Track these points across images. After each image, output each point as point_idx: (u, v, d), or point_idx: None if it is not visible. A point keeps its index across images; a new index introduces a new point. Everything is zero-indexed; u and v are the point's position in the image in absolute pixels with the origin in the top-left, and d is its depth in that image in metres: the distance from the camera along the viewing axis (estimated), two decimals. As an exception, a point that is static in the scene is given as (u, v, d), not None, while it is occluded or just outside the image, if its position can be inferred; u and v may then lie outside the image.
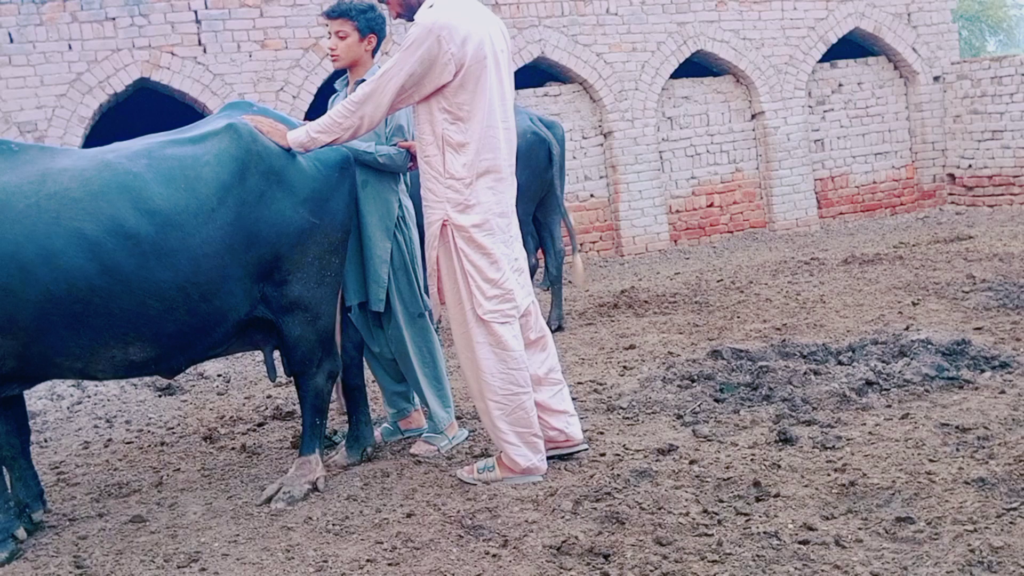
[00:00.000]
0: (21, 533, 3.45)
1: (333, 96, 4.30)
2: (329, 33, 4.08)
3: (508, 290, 3.59)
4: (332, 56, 4.08)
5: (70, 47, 8.41)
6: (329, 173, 3.71)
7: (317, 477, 3.76)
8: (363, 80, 4.02)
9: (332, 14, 4.02)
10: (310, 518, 3.43)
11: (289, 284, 3.61)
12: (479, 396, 3.66)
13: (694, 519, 3.08)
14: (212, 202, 3.41)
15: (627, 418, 4.30)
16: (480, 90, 3.46)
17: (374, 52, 4.10)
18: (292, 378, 3.90)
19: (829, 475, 3.34)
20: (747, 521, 3.03)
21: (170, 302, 3.35)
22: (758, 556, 2.76)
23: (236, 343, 3.74)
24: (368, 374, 5.84)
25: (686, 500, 3.24)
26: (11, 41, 8.22)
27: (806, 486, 3.27)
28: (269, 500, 3.66)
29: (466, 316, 3.59)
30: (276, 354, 3.89)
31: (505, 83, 3.60)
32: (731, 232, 11.04)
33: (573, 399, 4.71)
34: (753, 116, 11.08)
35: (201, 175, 3.42)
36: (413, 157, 3.92)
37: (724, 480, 3.39)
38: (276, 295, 3.61)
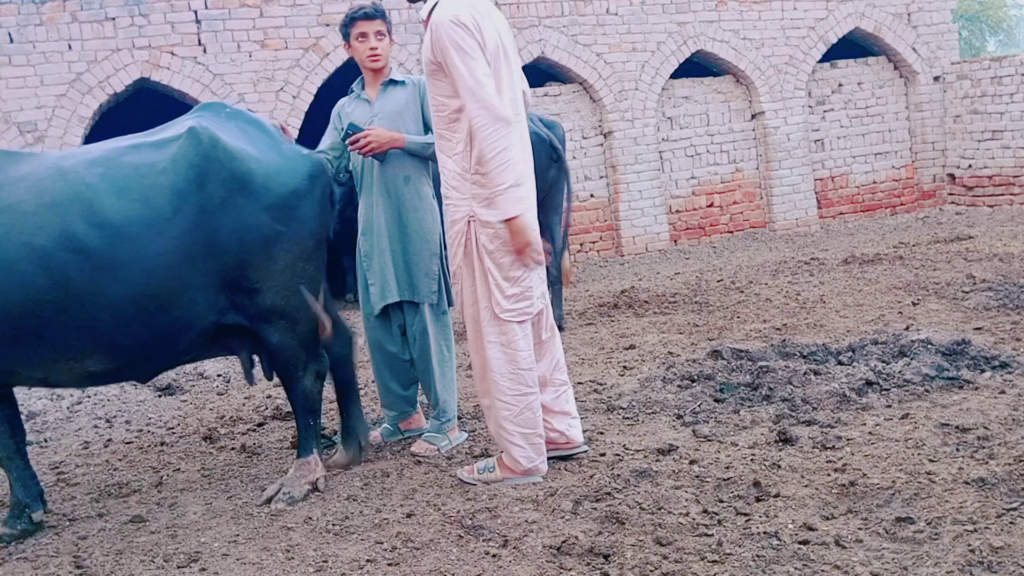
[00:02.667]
0: (38, 515, 3.51)
1: (342, 99, 4.31)
2: (365, 34, 4.08)
3: (528, 287, 3.56)
4: (373, 57, 4.07)
5: (70, 47, 8.42)
6: (297, 180, 3.59)
7: (317, 478, 3.74)
8: (391, 81, 4.13)
9: (374, 15, 4.07)
10: (310, 518, 3.43)
11: (261, 293, 3.51)
12: (487, 395, 3.65)
13: (694, 519, 3.08)
14: (167, 211, 3.32)
15: (627, 418, 4.30)
16: (501, 82, 3.41)
17: None
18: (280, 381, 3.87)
19: (829, 475, 3.34)
20: (747, 521, 3.03)
21: (123, 315, 3.29)
22: (758, 556, 2.76)
23: (210, 349, 3.69)
24: (367, 375, 5.84)
25: (686, 500, 3.24)
26: (11, 41, 8.23)
27: (806, 486, 3.27)
28: (269, 501, 3.65)
29: (480, 314, 3.56)
30: (256, 358, 3.86)
31: (515, 76, 3.56)
32: (731, 232, 11.04)
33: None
34: (753, 116, 11.09)
35: (157, 183, 3.33)
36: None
37: (724, 480, 3.39)
38: (248, 304, 3.52)
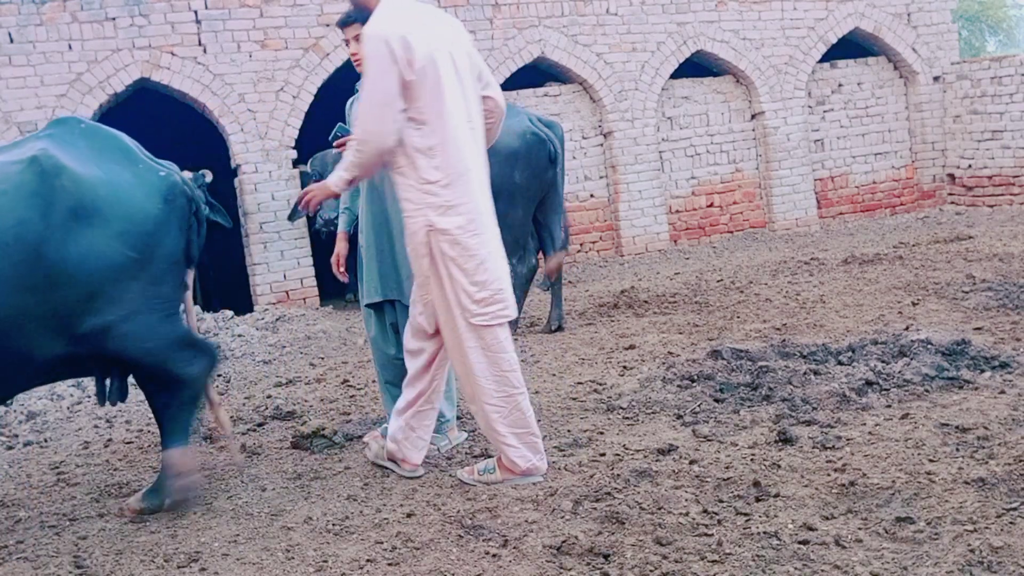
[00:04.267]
0: None
1: (351, 99, 4.33)
2: (346, 41, 4.17)
3: (498, 290, 3.55)
4: (355, 61, 4.09)
5: (70, 47, 8.42)
6: (151, 203, 3.46)
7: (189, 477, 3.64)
8: None
9: (342, 24, 4.15)
10: (310, 518, 3.43)
11: (111, 319, 3.38)
12: (474, 400, 3.65)
13: (694, 519, 3.08)
14: (8, 239, 3.19)
15: (627, 418, 4.30)
16: (438, 92, 3.42)
17: None
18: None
19: (829, 475, 3.34)
20: (747, 521, 3.03)
21: None
22: (758, 556, 2.76)
23: (66, 372, 3.62)
24: (368, 375, 5.83)
25: (686, 500, 3.24)
26: (11, 41, 8.23)
27: (806, 486, 3.27)
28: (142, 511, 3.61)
29: (456, 322, 3.55)
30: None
31: (466, 83, 3.55)
32: (731, 232, 11.04)
33: (573, 399, 4.73)
34: (753, 116, 11.09)
35: None
36: None
37: (724, 480, 3.39)
38: (99, 332, 3.38)
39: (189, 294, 3.83)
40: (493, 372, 3.56)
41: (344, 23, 4.15)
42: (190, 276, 3.81)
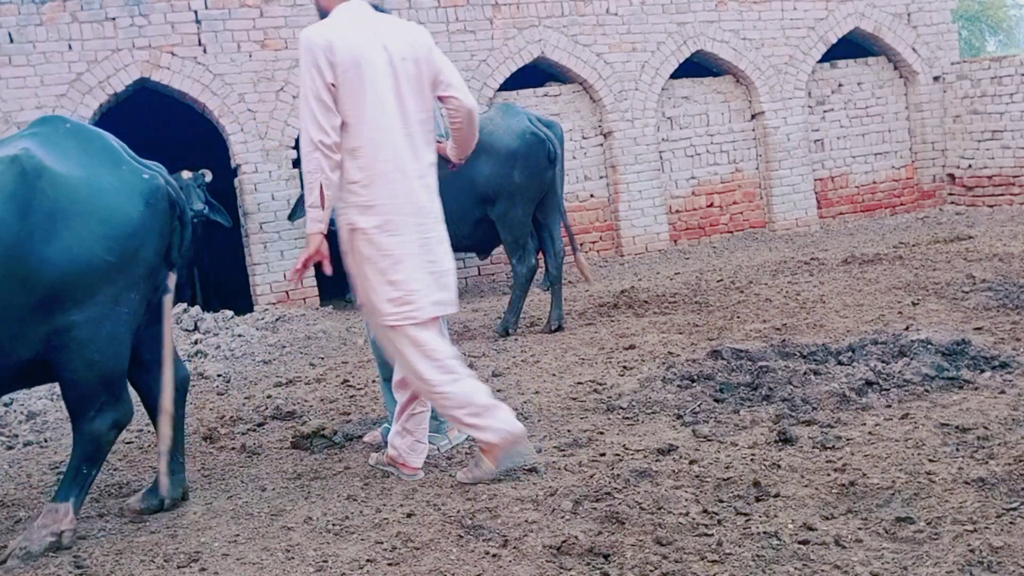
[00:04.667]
0: None
1: None
2: None
3: (411, 291, 3.60)
4: None
5: (70, 47, 8.42)
6: (132, 208, 3.41)
7: (63, 530, 3.35)
8: None
9: None
10: (310, 518, 3.43)
11: (73, 322, 3.29)
12: (426, 393, 3.70)
13: (694, 519, 3.08)
14: None
15: (627, 418, 4.30)
16: (363, 95, 3.53)
17: None
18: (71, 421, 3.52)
19: (829, 475, 3.34)
20: (747, 521, 3.03)
21: None
22: (758, 556, 2.76)
23: (45, 377, 3.53)
24: (368, 375, 5.84)
25: (686, 500, 3.24)
26: (11, 41, 8.23)
27: (806, 486, 3.27)
28: (5, 560, 3.27)
29: (377, 323, 3.67)
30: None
31: (405, 88, 3.63)
32: (731, 232, 11.04)
33: (573, 399, 4.73)
34: (753, 116, 11.09)
35: None
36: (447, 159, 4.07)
37: (724, 480, 3.39)
38: (57, 332, 3.30)
39: (169, 298, 3.74)
40: (430, 364, 3.61)
41: None
42: (172, 280, 3.75)
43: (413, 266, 3.60)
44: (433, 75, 3.70)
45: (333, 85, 3.50)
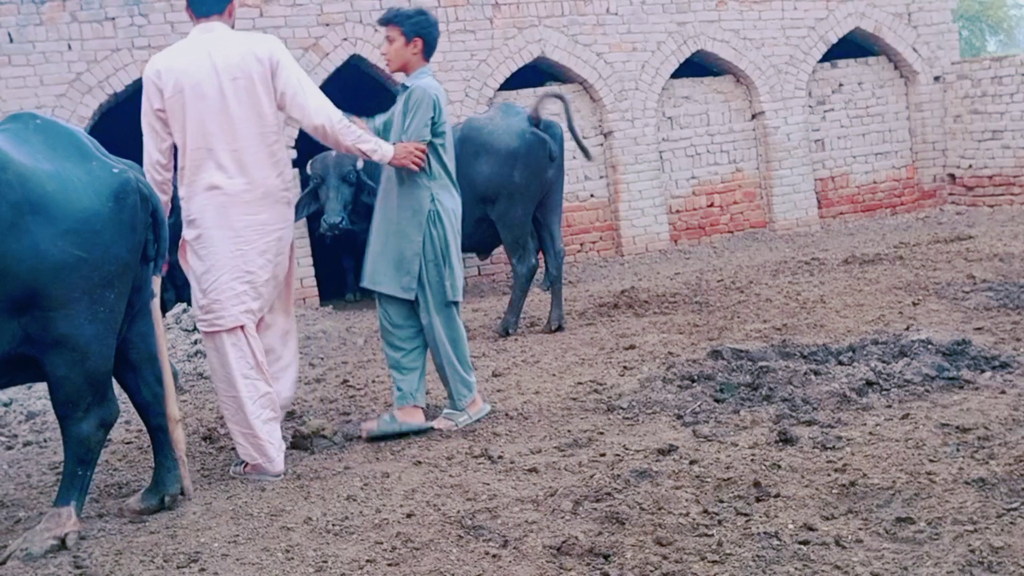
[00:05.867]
0: None
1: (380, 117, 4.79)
2: (388, 39, 4.44)
3: (215, 300, 3.92)
4: (385, 59, 4.48)
5: (70, 47, 8.41)
6: (101, 203, 3.36)
7: (66, 532, 3.36)
8: (404, 84, 4.43)
9: (381, 21, 4.46)
10: (310, 518, 3.43)
11: (53, 321, 3.27)
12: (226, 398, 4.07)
13: (694, 519, 3.08)
14: None
15: (627, 418, 4.30)
16: (186, 118, 3.86)
17: (426, 55, 4.42)
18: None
19: (829, 475, 3.34)
20: (747, 521, 3.03)
21: None
22: (758, 556, 2.76)
23: (10, 378, 3.52)
24: (368, 375, 5.83)
25: (686, 500, 3.24)
26: (11, 41, 8.22)
27: (806, 486, 3.27)
28: (5, 561, 3.27)
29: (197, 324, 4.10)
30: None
31: (234, 106, 3.89)
32: (731, 232, 11.03)
33: (573, 399, 4.73)
34: (753, 116, 11.08)
35: None
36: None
37: (724, 480, 3.39)
38: (39, 332, 3.28)
39: (156, 302, 3.75)
40: (236, 370, 3.96)
41: (382, 22, 4.44)
42: (157, 283, 3.75)
43: (224, 279, 3.92)
44: (279, 91, 3.97)
45: (161, 111, 3.89)
